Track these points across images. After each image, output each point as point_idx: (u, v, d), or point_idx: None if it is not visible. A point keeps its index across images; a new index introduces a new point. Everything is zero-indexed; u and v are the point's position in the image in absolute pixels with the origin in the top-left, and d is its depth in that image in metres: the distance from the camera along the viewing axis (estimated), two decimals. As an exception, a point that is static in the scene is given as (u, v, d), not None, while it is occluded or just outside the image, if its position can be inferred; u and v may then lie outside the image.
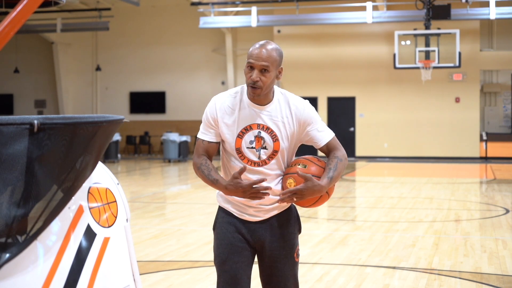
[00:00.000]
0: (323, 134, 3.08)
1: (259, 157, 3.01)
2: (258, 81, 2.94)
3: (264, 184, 2.95)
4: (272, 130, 3.01)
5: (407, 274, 6.02)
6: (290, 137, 3.04)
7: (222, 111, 3.02)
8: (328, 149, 3.08)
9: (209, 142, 3.06)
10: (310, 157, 3.07)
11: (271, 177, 3.03)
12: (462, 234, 8.10)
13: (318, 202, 3.01)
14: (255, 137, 3.01)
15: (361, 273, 6.03)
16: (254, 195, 2.92)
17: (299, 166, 2.99)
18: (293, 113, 3.04)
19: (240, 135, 3.01)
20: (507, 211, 10.14)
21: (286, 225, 3.12)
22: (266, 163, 3.02)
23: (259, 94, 2.97)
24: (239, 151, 3.01)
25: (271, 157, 3.02)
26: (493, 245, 7.34)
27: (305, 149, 3.30)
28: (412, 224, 8.90)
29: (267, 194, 2.94)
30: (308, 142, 3.10)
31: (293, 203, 3.08)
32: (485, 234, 8.08)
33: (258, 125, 3.01)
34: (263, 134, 3.00)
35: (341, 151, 3.08)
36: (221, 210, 3.14)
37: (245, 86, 3.06)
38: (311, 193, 2.90)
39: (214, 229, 3.17)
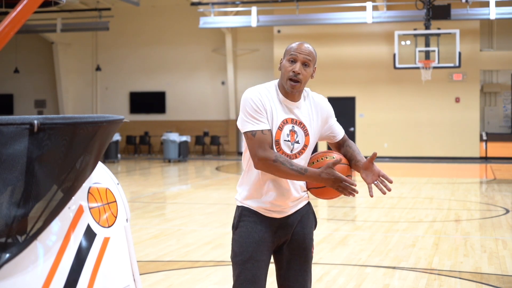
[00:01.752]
0: (340, 128, 3.25)
1: (291, 151, 3.06)
2: (300, 74, 3.01)
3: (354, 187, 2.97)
4: (304, 125, 3.08)
5: (407, 274, 6.02)
6: (317, 133, 3.14)
7: (265, 101, 3.03)
8: (343, 141, 3.23)
9: (268, 130, 3.01)
10: (325, 150, 3.17)
11: None
12: (462, 234, 8.10)
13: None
14: (290, 131, 3.06)
15: (361, 273, 6.03)
16: (342, 189, 2.95)
17: (327, 158, 3.07)
18: (318, 109, 3.14)
19: (280, 127, 3.04)
20: (507, 211, 10.14)
21: (307, 219, 3.19)
22: (296, 157, 3.07)
23: (298, 89, 3.04)
24: (277, 143, 3.04)
25: (301, 151, 3.08)
26: (493, 245, 7.34)
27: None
28: (412, 224, 8.90)
29: (355, 192, 2.95)
30: (327, 136, 3.20)
31: (319, 196, 3.11)
32: (485, 234, 8.08)
33: (292, 119, 3.07)
34: (296, 128, 3.07)
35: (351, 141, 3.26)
36: (245, 209, 3.13)
37: (276, 82, 3.10)
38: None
39: (236, 228, 3.14)
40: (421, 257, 6.70)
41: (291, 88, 3.01)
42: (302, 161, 3.08)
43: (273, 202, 3.08)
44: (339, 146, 3.23)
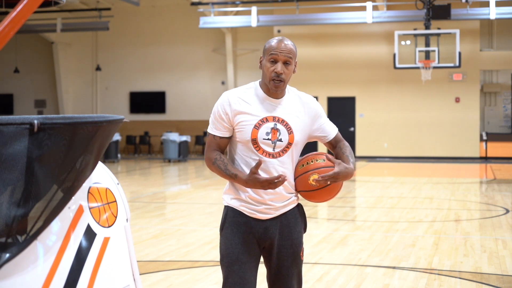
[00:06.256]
0: (331, 128, 3.19)
1: (273, 149, 3.04)
2: (282, 74, 3.00)
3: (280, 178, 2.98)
4: (287, 123, 3.05)
5: (407, 274, 6.03)
6: (303, 131, 3.10)
7: (236, 104, 3.04)
8: (335, 141, 3.18)
9: (220, 137, 3.08)
10: (316, 152, 3.14)
11: (281, 171, 3.05)
12: (462, 234, 8.10)
13: (333, 194, 3.06)
14: (271, 129, 3.04)
15: (361, 273, 6.03)
16: (272, 187, 2.96)
17: (317, 161, 3.04)
18: (305, 107, 3.11)
19: (257, 126, 3.03)
20: (507, 211, 10.14)
21: (295, 223, 3.14)
22: (280, 155, 3.05)
23: (282, 88, 3.04)
24: (254, 142, 3.03)
25: (285, 149, 3.05)
26: (493, 245, 7.35)
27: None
28: (412, 224, 8.91)
29: (283, 181, 2.95)
30: (317, 136, 3.17)
31: (308, 199, 3.10)
32: (485, 234, 8.08)
33: (274, 117, 3.05)
34: (279, 126, 3.05)
35: (346, 142, 3.22)
36: (230, 210, 3.12)
37: (257, 82, 3.11)
38: (344, 176, 2.99)
39: (221, 229, 3.14)
40: (421, 257, 6.71)
41: (275, 88, 3.01)
42: (287, 160, 3.05)
43: (251, 196, 3.04)
44: (332, 147, 3.20)
